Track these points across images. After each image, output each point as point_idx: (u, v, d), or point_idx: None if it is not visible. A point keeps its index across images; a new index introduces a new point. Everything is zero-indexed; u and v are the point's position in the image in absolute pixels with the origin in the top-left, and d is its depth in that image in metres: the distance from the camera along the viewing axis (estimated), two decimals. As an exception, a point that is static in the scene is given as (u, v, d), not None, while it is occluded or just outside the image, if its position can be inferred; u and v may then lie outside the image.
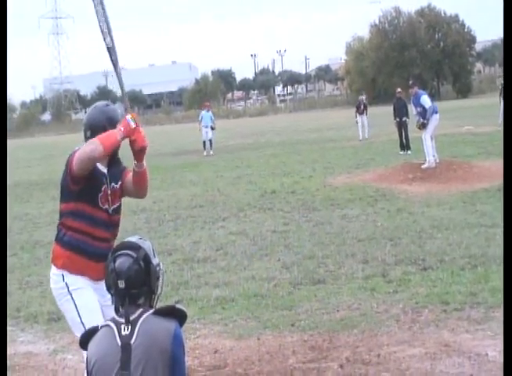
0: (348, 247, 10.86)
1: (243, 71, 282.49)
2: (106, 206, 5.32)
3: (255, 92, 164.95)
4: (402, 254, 10.11)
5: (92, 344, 3.93)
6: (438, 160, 18.80)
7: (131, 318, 3.87)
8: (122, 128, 5.08)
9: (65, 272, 5.27)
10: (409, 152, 24.45)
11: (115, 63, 5.36)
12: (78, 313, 5.20)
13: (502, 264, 8.54)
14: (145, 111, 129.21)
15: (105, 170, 5.36)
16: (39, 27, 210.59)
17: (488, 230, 11.06)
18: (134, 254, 3.97)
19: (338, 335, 7.09)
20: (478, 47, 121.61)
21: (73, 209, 5.28)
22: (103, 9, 5.26)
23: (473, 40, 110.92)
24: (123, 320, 3.87)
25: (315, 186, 18.11)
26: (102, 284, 5.38)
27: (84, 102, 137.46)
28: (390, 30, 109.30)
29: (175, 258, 11.05)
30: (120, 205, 5.52)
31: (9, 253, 12.74)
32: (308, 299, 8.39)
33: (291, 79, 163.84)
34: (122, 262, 3.94)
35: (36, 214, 17.84)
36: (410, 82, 21.82)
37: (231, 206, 16.12)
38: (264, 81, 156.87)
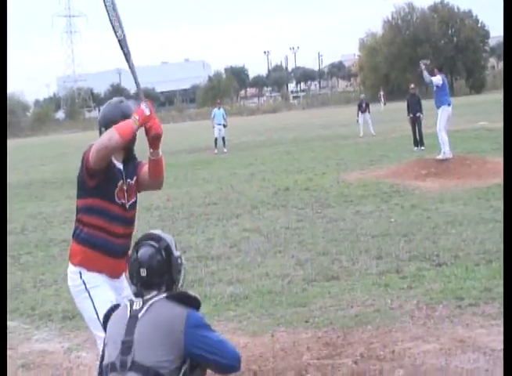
0: (362, 244, 10.85)
1: (257, 68, 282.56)
2: (123, 201, 5.33)
3: (268, 88, 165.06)
4: (416, 250, 10.08)
5: (110, 319, 4.17)
6: (451, 156, 18.76)
7: (145, 297, 4.05)
8: (137, 117, 5.09)
9: (82, 270, 5.28)
10: (422, 148, 24.38)
11: (127, 56, 5.35)
12: (96, 310, 5.20)
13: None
14: (158, 109, 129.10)
15: (121, 166, 5.37)
16: (52, 26, 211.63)
17: (502, 226, 11.01)
18: (156, 245, 4.15)
19: (352, 331, 7.08)
20: (492, 42, 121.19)
21: (89, 205, 5.28)
22: (113, 2, 5.28)
23: (486, 35, 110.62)
24: (137, 299, 4.08)
25: (328, 183, 18.10)
26: (119, 281, 5.47)
27: (98, 100, 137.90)
28: (403, 26, 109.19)
29: (189, 256, 11.05)
30: (136, 201, 5.54)
31: (23, 251, 12.88)
32: (321, 296, 8.37)
33: (304, 76, 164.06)
34: (144, 252, 4.14)
35: (50, 212, 17.89)
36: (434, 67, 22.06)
37: (244, 203, 16.12)
38: (277, 78, 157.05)
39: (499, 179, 15.40)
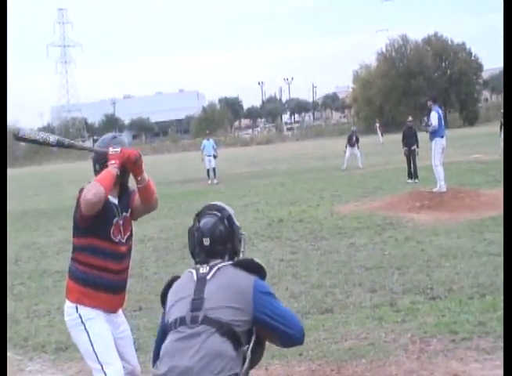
0: (356, 276, 10.85)
1: (251, 99, 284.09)
2: (119, 237, 5.35)
3: (262, 120, 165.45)
4: (410, 283, 10.09)
5: (172, 287, 4.26)
6: (445, 189, 18.80)
7: (211, 263, 4.05)
8: (113, 161, 5.14)
9: (79, 305, 5.31)
10: (416, 180, 24.45)
11: (72, 145, 5.52)
12: (91, 342, 5.22)
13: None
14: (152, 139, 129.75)
15: (115, 200, 5.39)
16: (47, 56, 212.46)
17: (496, 259, 11.02)
18: (218, 214, 4.16)
19: (346, 365, 7.07)
20: (485, 75, 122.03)
21: (84, 244, 5.31)
22: (30, 138, 5.37)
23: (480, 68, 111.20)
24: (203, 265, 4.07)
25: (322, 215, 18.11)
26: (116, 316, 5.49)
27: (92, 130, 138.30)
28: (397, 58, 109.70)
29: (183, 287, 11.03)
30: (132, 231, 5.55)
31: (16, 282, 12.82)
32: (315, 329, 8.36)
33: (298, 107, 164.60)
34: (207, 221, 4.13)
35: (44, 243, 17.86)
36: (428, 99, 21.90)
37: (238, 234, 16.08)
38: (271, 109, 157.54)
39: (493, 212, 15.46)
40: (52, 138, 5.33)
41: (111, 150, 5.18)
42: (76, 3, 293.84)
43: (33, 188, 42.32)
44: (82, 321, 5.27)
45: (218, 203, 4.30)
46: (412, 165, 25.66)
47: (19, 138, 5.28)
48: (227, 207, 4.23)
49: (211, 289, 3.93)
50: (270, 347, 7.80)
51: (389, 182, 25.01)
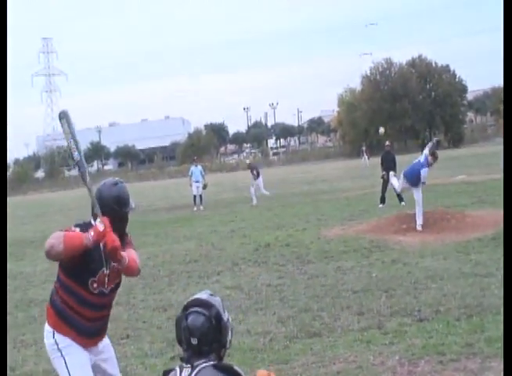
0: (344, 300, 10.86)
1: (236, 125, 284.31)
2: (100, 289, 5.31)
3: (248, 145, 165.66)
4: (398, 305, 10.11)
5: None
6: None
7: (194, 364, 4.01)
8: (92, 233, 5.07)
9: (55, 331, 5.32)
10: (402, 203, 24.45)
11: (84, 175, 5.37)
12: (68, 371, 5.25)
13: (498, 314, 8.57)
14: (138, 166, 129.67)
15: None
16: (32, 85, 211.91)
17: (482, 280, 11.08)
18: (206, 313, 4.08)
19: (335, 389, 7.06)
20: (470, 96, 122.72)
21: (65, 282, 5.31)
22: (69, 123, 5.36)
23: (464, 90, 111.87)
24: (187, 365, 4.05)
25: (309, 239, 18.12)
26: (95, 347, 5.43)
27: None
28: (381, 82, 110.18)
29: (170, 314, 10.99)
30: (119, 282, 5.55)
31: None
32: (304, 353, 8.36)
33: (284, 132, 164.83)
34: (194, 320, 4.06)
35: (30, 272, 17.79)
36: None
37: (225, 260, 16.10)
38: (257, 134, 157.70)
39: (479, 233, 15.53)
40: (77, 154, 5.33)
41: (98, 221, 5.15)
42: (60, 32, 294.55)
43: (19, 217, 42.14)
44: (59, 348, 5.29)
45: (205, 297, 4.20)
46: (384, 190, 25.51)
47: (64, 118, 5.36)
48: (215, 303, 4.15)
49: None
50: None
51: (375, 205, 25.03)
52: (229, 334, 4.18)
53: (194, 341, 4.03)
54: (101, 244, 5.11)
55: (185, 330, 4.07)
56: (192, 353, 4.06)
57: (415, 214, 18.13)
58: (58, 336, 5.29)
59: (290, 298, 11.38)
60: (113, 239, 5.06)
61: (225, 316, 4.14)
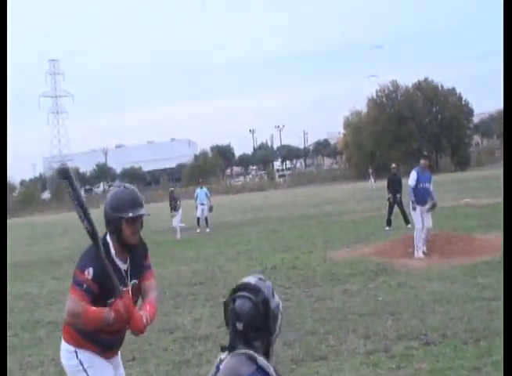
0: (350, 323, 10.83)
1: (242, 147, 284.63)
2: None
3: (254, 167, 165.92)
4: (404, 328, 10.07)
5: None
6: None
7: (235, 349, 3.95)
8: (112, 315, 4.89)
9: (78, 350, 5.19)
10: (408, 225, 24.42)
11: (98, 245, 4.99)
12: None
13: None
14: (144, 188, 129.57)
15: (125, 265, 5.22)
16: (39, 107, 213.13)
17: (490, 303, 11.04)
18: (253, 298, 3.96)
19: (342, 413, 7.03)
20: (476, 119, 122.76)
21: None
22: (71, 183, 4.91)
23: (470, 112, 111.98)
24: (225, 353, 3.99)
25: (315, 261, 18.09)
26: (114, 358, 5.32)
27: (84, 179, 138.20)
28: (387, 104, 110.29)
29: (176, 337, 10.99)
30: (138, 299, 5.38)
31: (9, 333, 12.67)
32: (310, 376, 8.33)
33: (290, 154, 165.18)
34: (241, 304, 3.96)
35: (36, 293, 17.76)
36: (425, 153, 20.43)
37: (231, 282, 16.02)
38: (262, 156, 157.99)
39: (486, 256, 15.49)
40: (86, 224, 4.93)
41: (120, 305, 4.89)
42: (67, 54, 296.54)
43: (25, 238, 42.19)
44: (84, 368, 5.17)
45: (254, 281, 4.08)
46: (401, 212, 25.59)
47: (65, 173, 4.86)
48: (263, 288, 4.02)
49: None
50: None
51: (381, 228, 25.02)
52: (278, 321, 4.04)
53: (240, 326, 3.93)
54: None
55: (232, 314, 3.97)
56: (237, 337, 3.96)
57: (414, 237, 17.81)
58: (82, 355, 5.17)
59: (297, 321, 11.34)
60: (138, 321, 5.00)
61: (274, 302, 4.01)
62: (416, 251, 17.50)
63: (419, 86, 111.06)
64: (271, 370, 3.89)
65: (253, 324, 3.94)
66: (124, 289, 5.06)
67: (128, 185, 5.27)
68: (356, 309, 11.79)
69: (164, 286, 16.51)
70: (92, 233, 4.91)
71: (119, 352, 5.53)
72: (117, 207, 5.06)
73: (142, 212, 5.13)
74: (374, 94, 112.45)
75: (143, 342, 10.71)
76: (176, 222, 32.75)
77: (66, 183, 4.80)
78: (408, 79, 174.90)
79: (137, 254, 5.30)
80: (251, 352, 3.92)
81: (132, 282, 5.24)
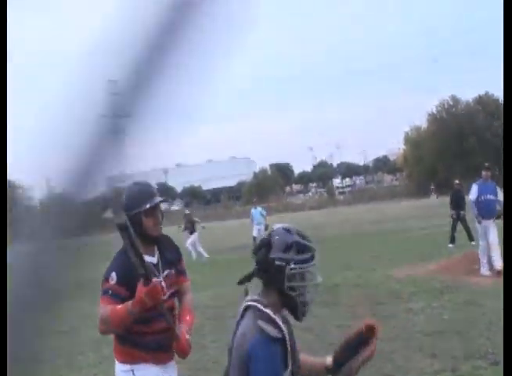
0: (416, 342, 10.71)
1: (301, 164, 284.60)
2: None
3: (313, 184, 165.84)
4: (471, 347, 9.93)
5: None
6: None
7: (247, 299, 3.95)
8: (135, 303, 4.73)
9: (133, 367, 5.14)
10: (473, 242, 24.10)
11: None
12: None
13: None
14: (205, 207, 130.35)
15: (154, 259, 5.17)
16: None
17: (559, 322, 10.83)
18: (265, 239, 3.91)
19: None
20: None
21: None
22: (132, 243, 4.59)
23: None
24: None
25: (378, 279, 17.95)
26: (169, 364, 5.25)
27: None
28: (448, 119, 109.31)
29: (241, 355, 10.98)
30: (175, 293, 5.35)
31: (76, 351, 12.87)
32: (377, 396, 8.26)
33: (349, 171, 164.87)
34: (261, 240, 3.97)
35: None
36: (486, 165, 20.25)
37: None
38: (322, 174, 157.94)
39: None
40: (142, 267, 4.65)
41: (143, 292, 4.65)
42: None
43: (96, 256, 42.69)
44: None
45: (282, 226, 4.02)
46: (465, 229, 25.34)
47: (123, 227, 4.49)
48: (275, 235, 3.88)
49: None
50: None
51: (445, 245, 24.75)
52: (284, 277, 3.80)
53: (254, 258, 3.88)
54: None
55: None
56: (255, 269, 3.91)
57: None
58: (139, 373, 5.11)
59: (361, 340, 11.25)
60: (184, 345, 5.12)
61: (278, 254, 3.80)
62: (481, 268, 17.30)
63: (479, 100, 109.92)
64: (278, 323, 3.83)
65: (259, 262, 3.85)
66: (155, 279, 4.83)
67: (136, 180, 5.00)
68: (421, 327, 11.67)
69: (223, 305, 16.54)
70: (146, 277, 4.71)
71: (173, 359, 5.38)
72: (132, 205, 4.97)
73: (158, 200, 5.07)
74: (434, 109, 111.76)
75: (208, 360, 10.72)
76: (188, 243, 31.72)
77: (123, 235, 4.61)
78: (468, 93, 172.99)
79: (163, 247, 5.26)
80: (260, 304, 3.82)
81: (166, 273, 5.19)
